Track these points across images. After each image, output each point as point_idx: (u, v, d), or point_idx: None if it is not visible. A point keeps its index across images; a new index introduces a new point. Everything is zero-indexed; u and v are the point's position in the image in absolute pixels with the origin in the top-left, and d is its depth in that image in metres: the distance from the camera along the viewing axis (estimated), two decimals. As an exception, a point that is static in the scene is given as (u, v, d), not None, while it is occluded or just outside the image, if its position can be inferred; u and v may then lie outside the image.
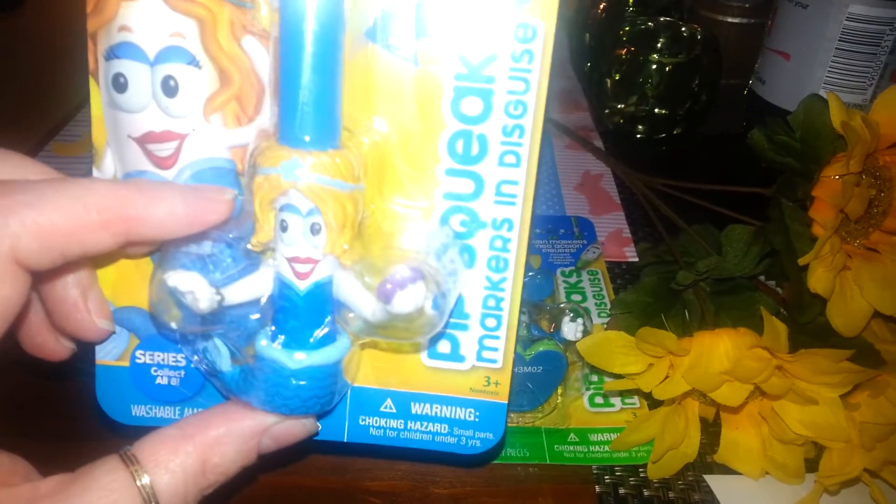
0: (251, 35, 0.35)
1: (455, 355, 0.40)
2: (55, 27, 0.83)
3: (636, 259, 0.67)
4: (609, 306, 0.60)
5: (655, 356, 0.46)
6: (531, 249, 0.65)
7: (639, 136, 0.85)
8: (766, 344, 0.44)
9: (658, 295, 0.53)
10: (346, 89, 0.34)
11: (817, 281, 0.47)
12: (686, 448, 0.47)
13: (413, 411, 0.41)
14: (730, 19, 0.93)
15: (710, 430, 0.50)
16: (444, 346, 0.40)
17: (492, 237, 0.38)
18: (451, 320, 0.39)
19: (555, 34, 0.34)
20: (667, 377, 0.46)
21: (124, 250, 0.33)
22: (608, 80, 0.84)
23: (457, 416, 0.41)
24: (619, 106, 0.84)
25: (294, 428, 0.37)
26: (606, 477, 0.48)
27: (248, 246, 0.34)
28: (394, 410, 0.41)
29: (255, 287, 0.35)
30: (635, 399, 0.53)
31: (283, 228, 0.33)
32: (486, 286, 0.39)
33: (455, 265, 0.37)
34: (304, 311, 0.34)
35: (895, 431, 0.45)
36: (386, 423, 0.41)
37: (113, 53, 0.35)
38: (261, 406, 0.35)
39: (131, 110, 0.36)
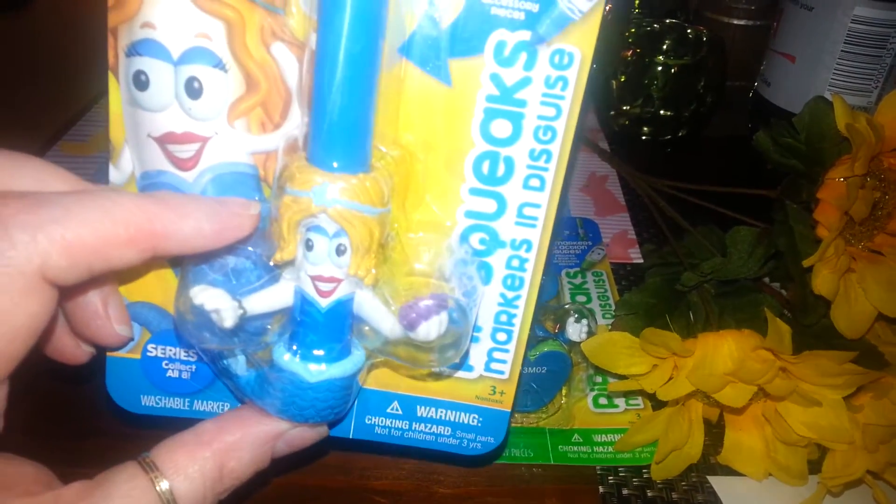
0: (281, 41, 0.34)
1: (464, 364, 0.40)
2: (65, 26, 0.83)
3: (641, 260, 0.67)
4: (613, 307, 0.61)
5: (659, 357, 0.46)
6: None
7: (644, 137, 0.85)
8: (769, 345, 0.44)
9: (662, 296, 0.53)
10: (378, 105, 0.33)
11: (821, 283, 0.48)
12: (690, 449, 0.48)
13: (418, 414, 0.41)
14: (735, 21, 0.93)
15: (714, 432, 0.50)
16: None
17: (510, 256, 0.38)
18: None
19: (592, 59, 0.34)
20: (671, 378, 0.46)
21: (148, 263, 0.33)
22: (614, 82, 0.84)
23: (460, 420, 0.41)
24: (624, 108, 0.84)
25: (307, 433, 0.37)
26: (610, 477, 0.48)
27: (271, 262, 0.34)
28: (400, 412, 0.41)
29: (275, 299, 0.35)
30: (639, 400, 0.53)
31: (309, 247, 0.33)
32: (500, 302, 0.39)
33: (473, 282, 0.37)
34: (325, 326, 0.34)
35: (898, 433, 0.45)
36: (391, 423, 0.41)
37: (135, 50, 0.34)
38: (276, 413, 0.35)
39: (152, 109, 0.35)
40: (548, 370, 0.48)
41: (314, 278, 0.34)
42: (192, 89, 0.34)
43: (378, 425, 0.41)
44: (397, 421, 0.41)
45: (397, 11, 0.33)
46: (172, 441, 0.33)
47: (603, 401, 0.53)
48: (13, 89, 0.68)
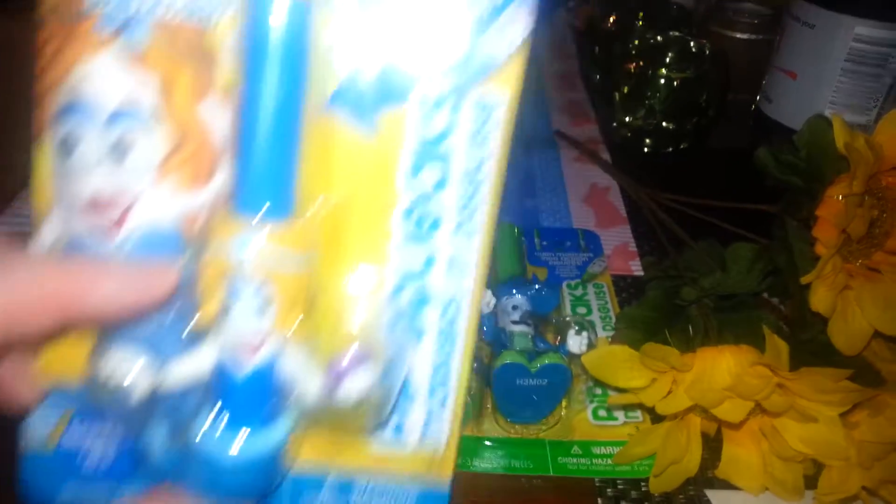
0: (212, 96, 0.34)
1: (397, 432, 0.39)
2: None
3: (642, 273, 0.67)
4: (614, 319, 0.61)
5: (659, 371, 0.47)
6: (538, 262, 0.66)
7: (646, 149, 0.85)
8: (767, 361, 0.44)
9: (662, 310, 0.53)
10: (302, 156, 0.32)
11: (819, 300, 0.48)
12: (688, 463, 0.48)
13: (353, 495, 0.39)
14: (738, 35, 0.93)
15: (712, 446, 0.50)
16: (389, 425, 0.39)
17: (441, 310, 0.37)
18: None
19: (518, 103, 0.34)
20: (670, 392, 0.47)
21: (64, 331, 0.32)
22: (616, 94, 0.84)
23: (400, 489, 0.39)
24: (626, 119, 0.84)
25: None
26: (609, 490, 0.49)
27: (191, 326, 0.33)
28: (335, 488, 0.39)
29: (194, 367, 0.33)
30: (638, 413, 0.54)
31: (228, 307, 0.31)
32: (435, 361, 0.37)
33: (403, 341, 0.36)
34: (246, 395, 0.33)
35: (894, 450, 0.46)
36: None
37: (62, 114, 0.33)
38: (196, 493, 0.34)
39: (77, 174, 0.34)
40: (548, 382, 0.49)
41: (235, 341, 0.32)
42: (119, 150, 0.33)
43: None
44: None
45: (326, 62, 0.33)
46: None
47: (602, 413, 0.53)
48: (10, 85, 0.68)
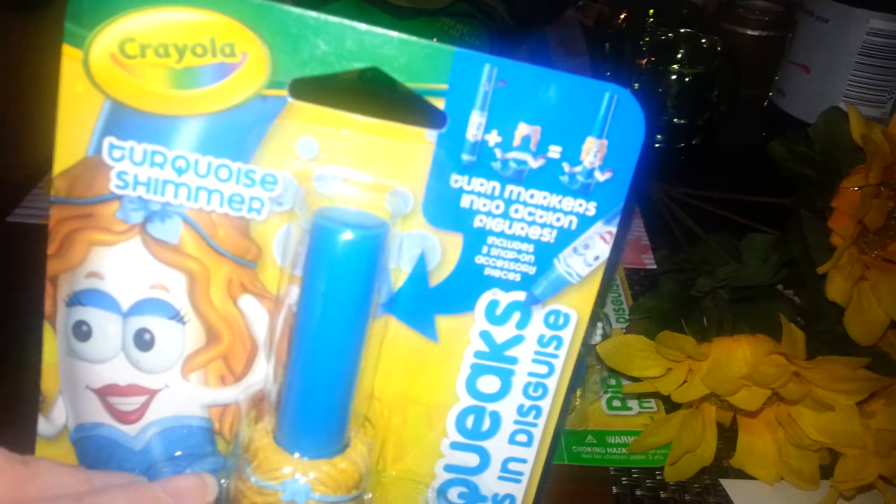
0: (250, 294, 0.32)
1: None
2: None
3: (654, 266, 0.67)
4: (627, 312, 0.61)
5: (674, 360, 0.47)
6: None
7: (657, 145, 0.85)
8: (784, 350, 0.44)
9: (677, 301, 0.53)
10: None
11: (835, 290, 0.48)
12: (703, 452, 0.48)
13: None
14: (749, 32, 0.93)
15: (726, 436, 0.50)
16: None
17: None
18: None
19: (588, 323, 0.34)
20: (685, 381, 0.47)
21: None
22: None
23: None
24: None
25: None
26: (623, 479, 0.49)
27: None
28: None
29: None
30: (652, 403, 0.54)
31: None
32: None
33: None
34: None
35: (910, 439, 0.46)
36: None
37: (77, 300, 0.32)
38: None
39: (93, 360, 0.32)
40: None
41: None
42: (143, 341, 0.32)
43: None
44: None
45: (384, 269, 0.32)
46: None
47: (617, 403, 0.53)
48: (27, 94, 0.68)
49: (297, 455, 0.30)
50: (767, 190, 0.57)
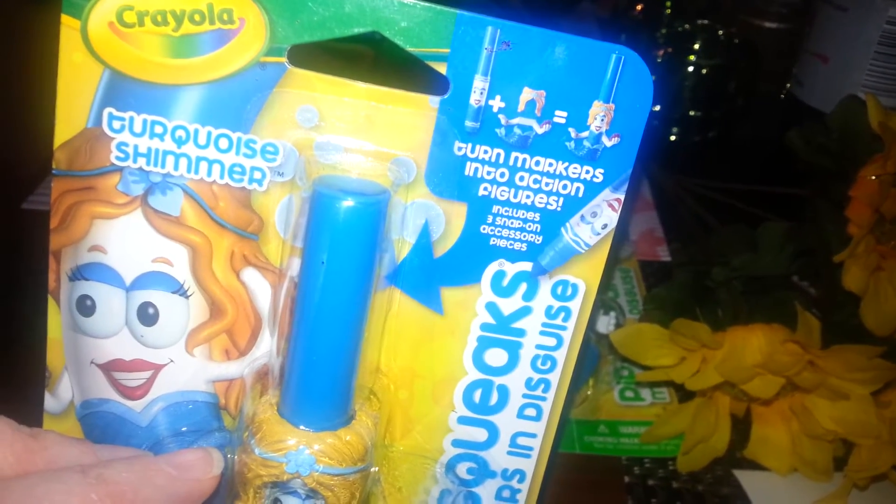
0: (253, 267, 0.32)
1: None
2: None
3: (669, 258, 0.67)
4: (641, 303, 0.61)
5: (688, 349, 0.46)
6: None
7: (673, 138, 0.85)
8: (799, 339, 0.44)
9: (691, 292, 0.53)
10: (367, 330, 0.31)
11: (852, 279, 0.47)
12: (716, 442, 0.47)
13: None
14: (767, 24, 0.92)
15: (739, 428, 0.49)
16: None
17: (500, 487, 0.36)
18: None
19: (596, 293, 0.33)
20: (699, 370, 0.46)
21: None
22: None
23: None
24: (654, 108, 0.84)
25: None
26: (636, 468, 0.48)
27: None
28: None
29: None
30: (665, 394, 0.53)
31: None
32: None
33: None
34: None
35: (926, 430, 0.45)
36: None
37: (80, 274, 0.31)
38: None
39: (97, 335, 0.32)
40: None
41: None
42: (147, 315, 0.32)
43: None
44: None
45: (387, 240, 0.31)
46: None
47: (629, 393, 0.53)
48: (39, 86, 0.69)
49: (301, 427, 0.30)
50: (783, 182, 0.56)
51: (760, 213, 0.58)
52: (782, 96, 0.85)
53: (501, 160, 0.30)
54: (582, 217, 0.31)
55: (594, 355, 0.49)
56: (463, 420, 0.34)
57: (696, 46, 0.81)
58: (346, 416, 0.30)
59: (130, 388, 0.33)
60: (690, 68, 0.80)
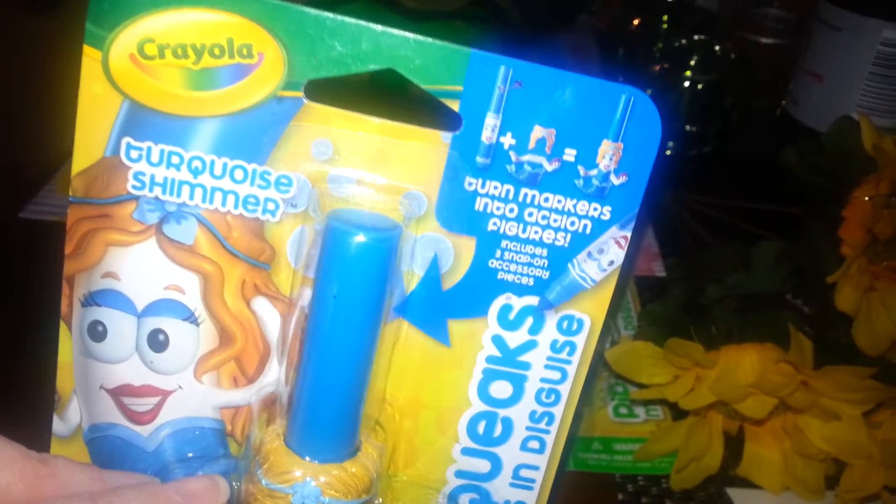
0: (264, 296, 0.32)
1: None
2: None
3: (664, 274, 0.67)
4: (636, 319, 0.61)
5: (682, 368, 0.47)
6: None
7: (668, 152, 0.85)
8: (791, 359, 0.44)
9: (685, 309, 0.53)
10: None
11: (844, 299, 0.48)
12: (709, 460, 0.48)
13: None
14: (763, 40, 0.93)
15: (733, 446, 0.50)
16: None
17: None
18: None
19: (602, 329, 0.33)
20: (692, 389, 0.47)
21: None
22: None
23: None
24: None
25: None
26: (629, 485, 0.49)
27: None
28: None
29: None
30: (659, 411, 0.54)
31: None
32: None
33: None
34: None
35: (917, 450, 0.46)
36: None
37: (93, 300, 0.32)
38: None
39: (108, 360, 0.33)
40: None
41: None
42: (157, 342, 0.32)
43: None
44: None
45: (398, 273, 0.32)
46: None
47: (623, 410, 0.54)
48: (38, 95, 0.69)
49: (307, 458, 0.30)
50: (778, 199, 0.57)
51: (755, 230, 0.59)
52: (778, 113, 0.86)
53: (511, 196, 0.31)
54: (589, 254, 0.32)
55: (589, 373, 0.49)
56: (466, 451, 0.35)
57: (693, 62, 0.81)
58: (352, 448, 0.31)
59: (139, 413, 0.33)
60: (686, 83, 0.81)
